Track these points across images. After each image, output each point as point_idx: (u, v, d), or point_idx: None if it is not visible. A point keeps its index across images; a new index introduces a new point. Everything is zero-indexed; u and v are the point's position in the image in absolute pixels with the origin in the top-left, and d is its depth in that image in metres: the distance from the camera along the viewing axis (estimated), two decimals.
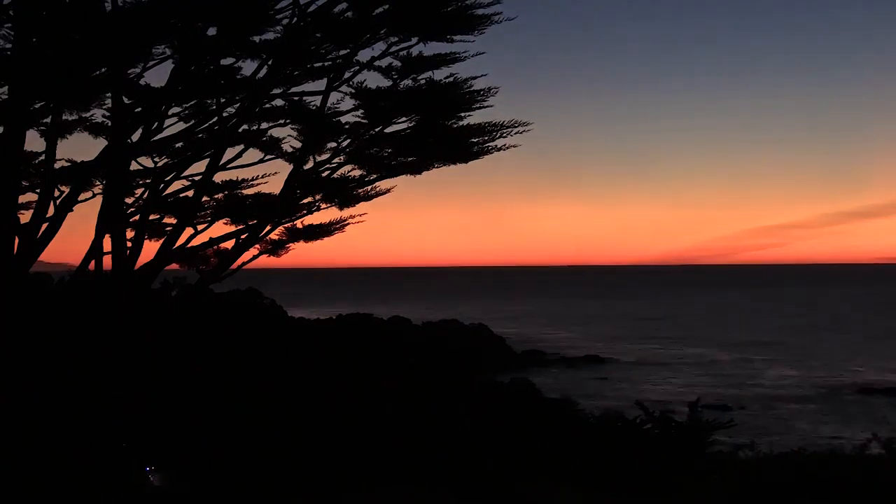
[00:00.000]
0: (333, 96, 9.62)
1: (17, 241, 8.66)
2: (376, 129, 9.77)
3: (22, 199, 9.34)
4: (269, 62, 9.33)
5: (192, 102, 9.84)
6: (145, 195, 9.99)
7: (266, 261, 10.48)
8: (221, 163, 9.68)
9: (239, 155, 9.92)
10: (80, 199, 9.45)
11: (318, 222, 10.23)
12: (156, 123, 9.49)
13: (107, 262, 9.41)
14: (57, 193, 9.29)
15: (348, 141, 9.85)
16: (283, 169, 10.84)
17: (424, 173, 10.15)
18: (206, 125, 9.83)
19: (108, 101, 9.70)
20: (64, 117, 9.82)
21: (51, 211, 9.03)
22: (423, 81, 9.56)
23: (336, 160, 9.88)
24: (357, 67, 9.56)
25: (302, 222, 10.17)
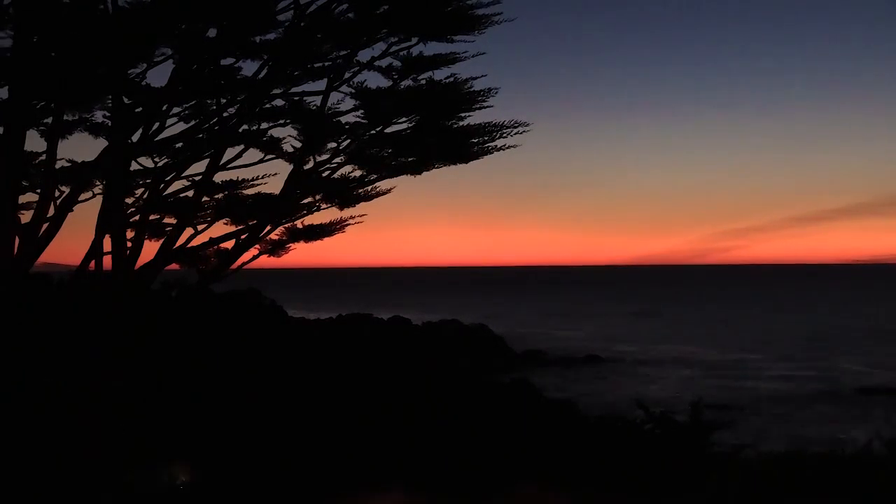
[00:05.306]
0: (333, 96, 9.63)
1: (17, 241, 8.66)
2: (376, 129, 9.77)
3: (22, 199, 9.35)
4: (270, 62, 9.33)
5: (193, 102, 9.84)
6: (145, 195, 9.99)
7: (266, 261, 10.49)
8: (221, 163, 9.68)
9: (239, 155, 9.92)
10: (80, 199, 9.45)
11: (318, 222, 10.25)
12: (156, 123, 9.49)
13: (107, 262, 9.42)
14: (57, 193, 9.30)
15: (348, 141, 9.84)
16: (283, 169, 10.86)
17: (424, 173, 10.17)
18: (207, 125, 9.83)
19: (109, 101, 9.71)
20: (64, 117, 9.82)
21: (51, 211, 9.03)
22: (423, 81, 9.57)
23: (336, 160, 9.88)
24: (357, 67, 9.57)
25: (302, 222, 10.18)
